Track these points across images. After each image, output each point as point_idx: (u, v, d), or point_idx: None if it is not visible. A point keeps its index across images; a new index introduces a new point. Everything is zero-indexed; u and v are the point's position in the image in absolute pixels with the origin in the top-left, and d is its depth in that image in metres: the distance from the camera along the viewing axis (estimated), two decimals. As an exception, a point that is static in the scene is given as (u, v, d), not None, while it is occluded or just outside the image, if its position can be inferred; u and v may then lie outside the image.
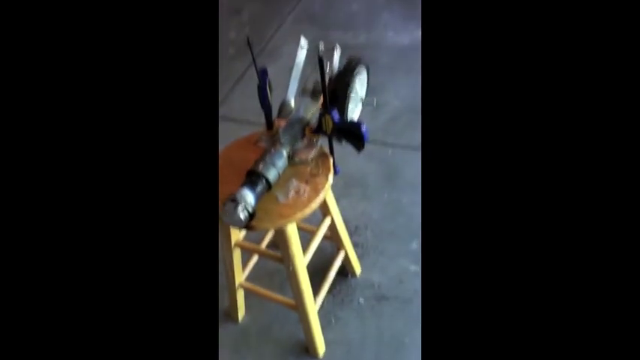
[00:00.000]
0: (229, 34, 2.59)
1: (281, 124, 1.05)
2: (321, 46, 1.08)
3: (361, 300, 1.28)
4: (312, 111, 1.06)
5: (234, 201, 0.84)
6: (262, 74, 1.05)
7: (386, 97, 2.12)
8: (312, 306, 1.08)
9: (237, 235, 1.09)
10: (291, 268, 1.00)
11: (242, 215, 0.84)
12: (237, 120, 1.98)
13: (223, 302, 1.27)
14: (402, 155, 1.71)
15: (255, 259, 1.24)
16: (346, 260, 1.26)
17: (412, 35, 2.38)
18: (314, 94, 1.07)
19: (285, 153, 0.97)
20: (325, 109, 0.96)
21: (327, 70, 1.05)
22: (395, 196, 1.55)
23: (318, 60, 0.90)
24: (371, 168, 1.66)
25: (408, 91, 2.00)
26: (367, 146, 1.73)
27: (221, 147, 1.06)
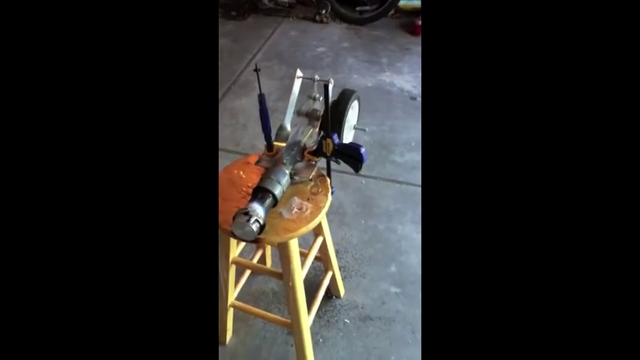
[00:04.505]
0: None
1: (279, 146, 1.11)
2: (317, 78, 1.18)
3: (347, 320, 1.31)
4: (307, 135, 1.13)
5: (247, 214, 0.87)
6: (262, 99, 1.11)
7: (356, 132, 2.26)
8: (307, 323, 1.09)
9: (235, 252, 1.10)
10: (290, 284, 1.02)
11: (254, 227, 0.87)
12: (212, 148, 2.01)
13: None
14: (374, 185, 1.81)
15: (243, 280, 1.24)
16: (332, 281, 1.30)
17: (375, 78, 2.58)
18: (309, 119, 1.15)
19: (287, 172, 1.02)
20: (326, 133, 1.03)
21: (318, 98, 1.15)
22: (371, 223, 1.63)
23: (324, 88, 0.99)
24: (347, 196, 1.74)
25: (375, 128, 2.15)
26: (342, 176, 1.83)
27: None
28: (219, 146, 2.02)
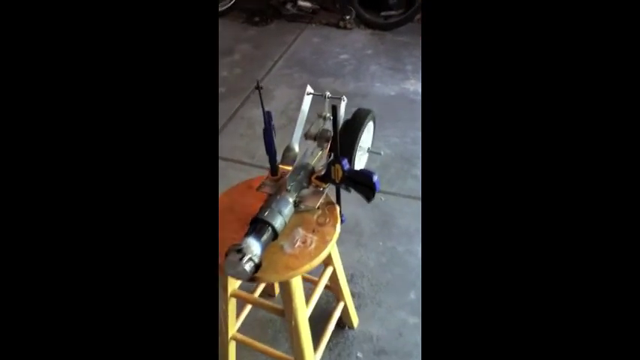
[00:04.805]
0: (221, 73, 2.60)
1: (285, 169, 1.03)
2: (328, 95, 1.09)
3: (359, 355, 1.22)
4: (316, 158, 1.04)
5: (240, 251, 0.79)
6: (267, 117, 1.03)
7: (376, 144, 2.16)
8: (312, 363, 1.01)
9: (234, 284, 1.03)
10: (293, 323, 0.94)
11: (247, 267, 0.79)
12: (227, 159, 1.95)
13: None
14: (394, 203, 1.70)
15: (247, 310, 1.17)
16: (344, 311, 1.21)
17: (399, 87, 2.46)
18: (319, 141, 1.06)
19: (291, 200, 0.94)
20: (335, 158, 0.94)
21: (329, 118, 1.05)
22: (390, 245, 1.53)
23: (332, 109, 0.90)
24: (365, 214, 1.64)
25: (396, 140, 2.04)
26: (360, 193, 1.72)
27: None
28: (235, 158, 1.97)
